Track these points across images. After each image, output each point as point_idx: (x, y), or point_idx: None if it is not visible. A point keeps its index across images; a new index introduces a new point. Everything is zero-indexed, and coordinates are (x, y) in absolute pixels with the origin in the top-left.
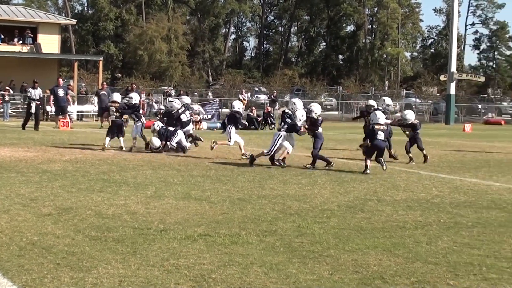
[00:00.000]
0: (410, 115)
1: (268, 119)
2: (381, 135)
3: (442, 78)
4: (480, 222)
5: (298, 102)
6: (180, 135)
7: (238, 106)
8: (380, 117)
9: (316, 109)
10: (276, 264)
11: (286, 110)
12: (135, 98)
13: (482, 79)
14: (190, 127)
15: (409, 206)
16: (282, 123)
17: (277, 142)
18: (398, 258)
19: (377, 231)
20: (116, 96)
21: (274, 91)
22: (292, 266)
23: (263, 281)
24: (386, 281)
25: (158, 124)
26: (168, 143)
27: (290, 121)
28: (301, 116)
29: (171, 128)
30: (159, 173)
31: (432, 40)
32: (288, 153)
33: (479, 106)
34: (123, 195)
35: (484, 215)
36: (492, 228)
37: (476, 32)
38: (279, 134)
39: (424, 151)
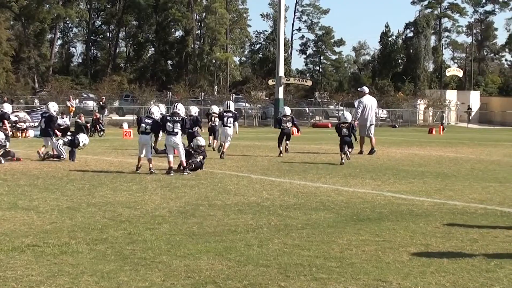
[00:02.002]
0: (348, 116)
1: (97, 125)
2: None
3: (270, 82)
4: (310, 223)
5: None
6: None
7: (52, 109)
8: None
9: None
10: (107, 273)
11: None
12: None
13: (309, 83)
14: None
15: (240, 210)
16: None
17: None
18: (230, 262)
19: (208, 235)
20: None
21: (103, 97)
22: (124, 273)
23: None
24: (219, 285)
25: None
26: None
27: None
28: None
29: None
30: None
31: (260, 45)
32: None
33: (307, 109)
34: None
35: (313, 216)
36: (321, 229)
37: (303, 37)
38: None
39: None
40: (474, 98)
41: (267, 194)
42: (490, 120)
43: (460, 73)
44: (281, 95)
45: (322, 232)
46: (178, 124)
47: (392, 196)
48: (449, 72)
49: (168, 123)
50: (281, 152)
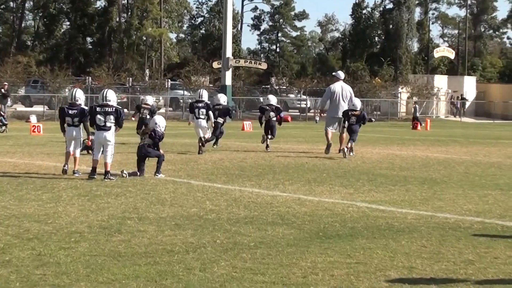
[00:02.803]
0: (357, 103)
1: None
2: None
3: (215, 65)
4: (265, 241)
5: None
6: None
7: None
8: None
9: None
10: None
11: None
12: None
13: (264, 66)
14: None
15: (178, 225)
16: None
17: None
18: None
19: (138, 256)
20: None
21: (5, 83)
22: None
23: None
24: None
25: None
26: None
27: None
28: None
29: None
30: None
31: (202, 18)
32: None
33: (261, 99)
34: None
35: (269, 232)
36: (279, 249)
37: (256, 9)
38: None
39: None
40: (469, 85)
41: (211, 204)
42: (488, 112)
43: (451, 54)
44: (228, 81)
45: (281, 252)
46: (112, 117)
47: (368, 207)
48: (437, 53)
49: (99, 116)
50: (267, 145)
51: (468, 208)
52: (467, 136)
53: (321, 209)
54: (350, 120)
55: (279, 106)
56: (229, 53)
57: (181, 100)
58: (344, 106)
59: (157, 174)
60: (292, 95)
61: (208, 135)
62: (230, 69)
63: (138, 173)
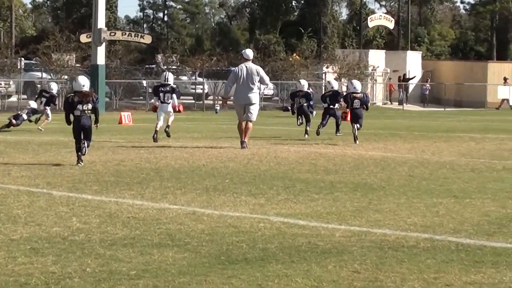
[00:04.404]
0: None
1: None
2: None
3: (83, 39)
4: (150, 269)
5: None
6: None
7: None
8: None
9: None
10: None
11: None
12: None
13: (148, 39)
14: None
15: (35, 249)
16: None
17: None
18: None
19: None
20: None
21: None
22: None
23: None
24: None
25: None
26: None
27: None
28: None
29: None
30: None
31: None
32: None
33: (144, 82)
34: None
35: (156, 257)
36: (168, 278)
37: None
38: None
39: None
40: (413, 63)
41: (79, 222)
42: (438, 98)
43: (390, 24)
44: (101, 59)
45: (171, 282)
46: None
47: (284, 223)
48: (372, 22)
49: None
50: (306, 131)
51: (412, 222)
52: (411, 128)
53: (223, 226)
54: (354, 104)
55: (311, 92)
56: (101, 23)
57: (39, 85)
58: (252, 91)
59: None
60: (184, 78)
61: (172, 119)
62: (103, 44)
63: None
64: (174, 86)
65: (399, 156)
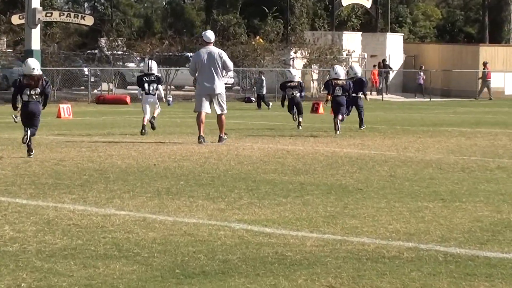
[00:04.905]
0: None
1: None
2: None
3: (15, 20)
4: (94, 283)
5: None
6: None
7: None
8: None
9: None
10: None
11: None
12: None
13: (89, 21)
14: None
15: None
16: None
17: None
18: None
19: None
20: None
21: None
22: None
23: None
24: None
25: None
26: None
27: None
28: None
29: None
30: None
31: None
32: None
33: (85, 70)
34: None
35: (101, 270)
36: None
37: None
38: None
39: None
40: (394, 47)
41: (12, 230)
42: (423, 86)
43: (367, 2)
44: (36, 44)
45: None
46: None
47: (247, 230)
48: (347, 0)
49: None
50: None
51: (394, 229)
52: (392, 122)
53: (178, 234)
54: (335, 91)
55: (301, 81)
56: (36, 2)
57: None
58: (216, 79)
59: None
60: (132, 64)
61: (158, 111)
62: (39, 27)
63: None
64: (159, 75)
65: (379, 153)
